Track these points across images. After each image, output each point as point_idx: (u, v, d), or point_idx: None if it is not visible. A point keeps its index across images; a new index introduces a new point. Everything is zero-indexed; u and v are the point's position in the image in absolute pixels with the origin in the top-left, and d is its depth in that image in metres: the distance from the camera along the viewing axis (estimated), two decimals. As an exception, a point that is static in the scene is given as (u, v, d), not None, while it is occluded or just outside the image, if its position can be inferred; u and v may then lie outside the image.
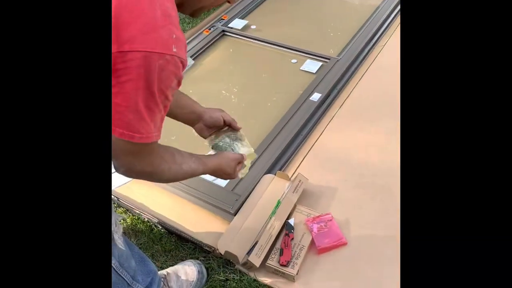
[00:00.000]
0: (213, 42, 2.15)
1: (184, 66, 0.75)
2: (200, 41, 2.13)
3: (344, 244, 1.22)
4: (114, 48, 0.66)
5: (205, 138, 1.16)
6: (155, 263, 1.25)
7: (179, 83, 0.77)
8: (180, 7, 0.83)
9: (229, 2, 0.90)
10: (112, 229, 0.88)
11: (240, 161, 1.09)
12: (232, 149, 1.13)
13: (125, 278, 0.96)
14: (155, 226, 1.35)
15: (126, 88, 0.69)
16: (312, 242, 1.22)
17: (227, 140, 1.14)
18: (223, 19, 2.29)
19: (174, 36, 0.71)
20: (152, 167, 0.84)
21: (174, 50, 0.71)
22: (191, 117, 1.11)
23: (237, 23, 2.25)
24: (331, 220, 1.27)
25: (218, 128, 1.15)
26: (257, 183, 1.39)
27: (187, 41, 2.13)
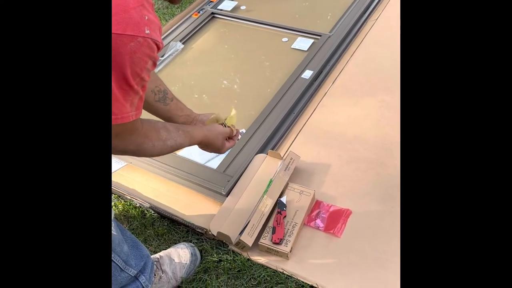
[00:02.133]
0: (203, 25, 2.11)
1: (159, 48, 0.74)
2: (189, 25, 2.09)
3: (350, 213, 1.22)
4: None
5: None
6: (148, 247, 1.24)
7: (154, 64, 0.76)
8: None
9: None
10: None
11: (229, 135, 1.07)
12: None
13: (118, 263, 0.95)
14: (147, 211, 1.33)
15: None
16: (310, 222, 1.21)
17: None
18: (212, 1, 2.24)
19: (146, 18, 0.70)
20: (134, 146, 0.84)
21: (147, 32, 0.70)
22: (187, 120, 1.14)
23: (227, 5, 2.21)
24: (321, 203, 1.25)
25: None
26: (249, 163, 1.37)
27: (176, 26, 2.10)
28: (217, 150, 1.07)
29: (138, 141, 0.84)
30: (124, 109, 0.75)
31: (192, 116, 1.15)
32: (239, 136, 1.43)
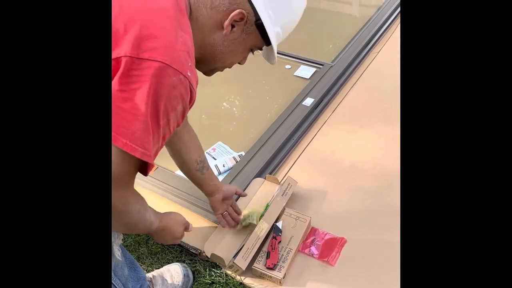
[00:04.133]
0: (208, 48, 2.15)
1: (192, 99, 0.72)
2: (195, 47, 2.13)
3: (345, 242, 1.22)
4: (133, 54, 0.63)
5: (215, 210, 1.23)
6: (141, 265, 1.23)
7: (183, 114, 0.72)
8: (197, 63, 0.80)
9: (240, 63, 0.89)
10: (112, 240, 0.85)
11: (186, 226, 1.01)
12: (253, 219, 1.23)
13: (117, 286, 0.94)
14: (142, 228, 1.33)
15: (136, 95, 0.64)
16: (304, 249, 1.21)
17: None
18: (219, 26, 2.29)
19: (189, 64, 0.70)
20: (122, 204, 0.72)
21: (189, 74, 0.69)
22: (213, 189, 1.19)
23: (233, 30, 2.26)
24: (316, 230, 1.25)
25: (229, 199, 1.23)
26: (247, 186, 1.38)
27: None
28: (174, 240, 0.98)
29: (127, 198, 0.73)
30: (149, 146, 0.66)
31: (218, 185, 1.20)
32: (223, 174, 1.47)
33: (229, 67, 0.90)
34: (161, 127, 0.68)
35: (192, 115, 1.74)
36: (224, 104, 1.83)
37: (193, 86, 0.70)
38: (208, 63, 0.84)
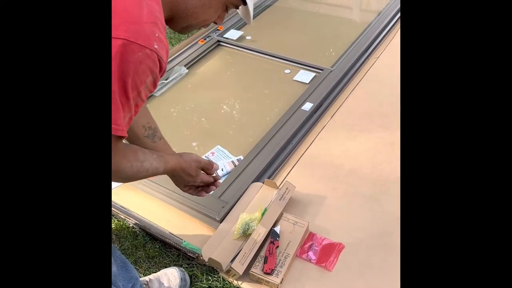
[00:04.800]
0: (208, 52, 2.16)
1: (162, 67, 0.74)
2: (195, 51, 2.14)
3: (343, 247, 1.22)
4: None
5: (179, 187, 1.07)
6: (138, 269, 1.23)
7: (154, 84, 0.75)
8: (169, 22, 0.83)
9: (215, 23, 0.90)
10: None
11: (203, 166, 0.99)
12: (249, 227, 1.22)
13: None
14: (140, 232, 1.33)
15: None
16: (302, 254, 1.21)
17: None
18: (219, 30, 2.30)
19: (156, 35, 0.71)
20: (113, 166, 0.77)
21: (156, 47, 0.70)
22: None
23: (233, 34, 2.26)
24: (314, 235, 1.25)
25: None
26: (245, 190, 1.38)
27: (182, 51, 2.15)
28: (191, 178, 0.98)
29: (117, 161, 0.79)
30: (120, 121, 0.71)
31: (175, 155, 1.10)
32: (221, 179, 1.38)
33: (204, 26, 0.90)
34: (131, 99, 0.71)
35: (192, 119, 1.75)
36: (224, 107, 1.83)
37: (162, 58, 0.71)
38: (181, 20, 0.84)
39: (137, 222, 1.33)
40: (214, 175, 1.06)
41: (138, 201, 1.39)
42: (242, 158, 1.53)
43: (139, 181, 1.43)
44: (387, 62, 1.99)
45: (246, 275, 1.15)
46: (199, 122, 1.76)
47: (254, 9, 2.46)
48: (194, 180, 1.00)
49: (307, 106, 1.71)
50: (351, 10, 2.57)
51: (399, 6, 2.36)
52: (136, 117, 1.00)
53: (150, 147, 1.05)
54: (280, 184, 1.40)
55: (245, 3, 0.88)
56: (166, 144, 1.10)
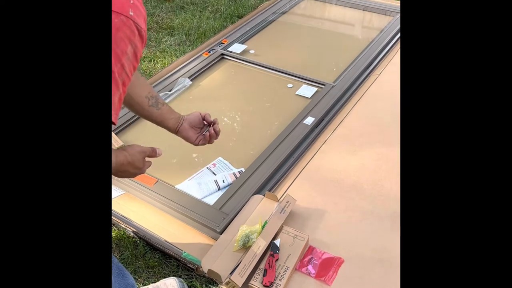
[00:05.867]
0: (212, 65, 2.19)
1: (141, 35, 0.71)
2: (199, 63, 2.16)
3: (342, 261, 1.22)
4: None
5: (191, 140, 1.18)
6: (137, 279, 1.23)
7: (136, 56, 0.72)
8: None
9: None
10: None
11: (148, 155, 0.97)
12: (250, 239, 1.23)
13: None
14: (140, 241, 1.33)
15: None
16: (301, 268, 1.21)
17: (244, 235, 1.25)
18: (223, 43, 2.33)
19: (131, 2, 0.69)
20: None
21: (131, 13, 0.68)
22: (176, 122, 1.15)
23: (237, 47, 2.29)
24: (314, 249, 1.25)
25: (199, 127, 1.19)
26: (246, 203, 1.38)
27: (186, 63, 2.17)
28: (139, 171, 0.95)
29: None
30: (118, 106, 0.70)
31: (180, 116, 1.16)
32: (222, 190, 1.46)
33: None
34: (116, 73, 0.69)
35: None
36: (226, 120, 1.84)
37: (139, 24, 0.69)
38: None
39: (137, 231, 1.33)
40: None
41: (139, 210, 1.40)
42: (243, 170, 1.54)
43: (140, 190, 1.43)
44: (388, 78, 2.01)
45: (245, 287, 1.15)
46: (202, 133, 1.77)
47: (258, 23, 2.50)
48: (141, 171, 0.96)
49: (309, 120, 1.73)
50: (353, 26, 2.61)
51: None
52: (138, 90, 1.04)
53: (157, 114, 1.09)
54: (281, 197, 1.40)
55: None
56: (170, 108, 1.13)
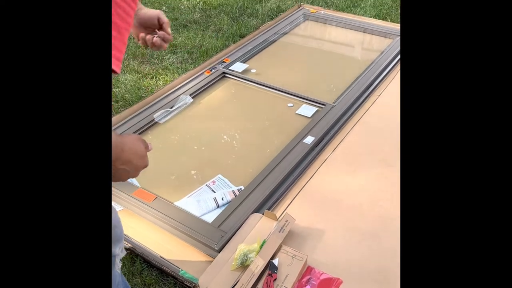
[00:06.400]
0: (213, 83, 2.21)
1: None
2: (200, 81, 2.19)
3: (341, 282, 1.21)
4: None
5: (137, 37, 1.06)
6: (133, 297, 1.22)
7: None
8: None
9: None
10: (117, 253, 0.87)
11: (146, 144, 0.79)
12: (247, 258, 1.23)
13: None
14: (137, 258, 1.32)
15: None
16: (300, 287, 1.20)
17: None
18: (225, 62, 2.36)
19: None
20: None
21: None
22: None
23: (238, 66, 2.32)
24: (312, 269, 1.24)
25: (152, 29, 1.06)
26: (245, 221, 1.38)
27: (188, 80, 2.19)
28: (143, 162, 0.76)
29: None
30: (122, 47, 0.61)
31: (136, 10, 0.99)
32: (221, 208, 1.45)
33: None
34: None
35: (193, 147, 1.77)
36: (226, 137, 1.85)
37: None
38: None
39: (134, 248, 1.32)
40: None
41: (137, 227, 1.39)
42: (242, 188, 1.54)
43: (138, 206, 1.43)
44: (388, 100, 2.03)
45: (243, 307, 1.14)
46: (200, 150, 1.78)
47: (259, 43, 2.54)
48: (145, 163, 0.77)
49: (309, 139, 1.74)
50: (353, 48, 2.64)
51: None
52: None
53: None
54: (280, 216, 1.40)
55: None
56: None
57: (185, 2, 3.30)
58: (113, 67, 0.59)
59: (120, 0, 0.62)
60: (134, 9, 0.65)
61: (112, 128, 1.83)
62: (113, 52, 0.59)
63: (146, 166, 0.77)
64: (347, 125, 1.89)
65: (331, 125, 1.83)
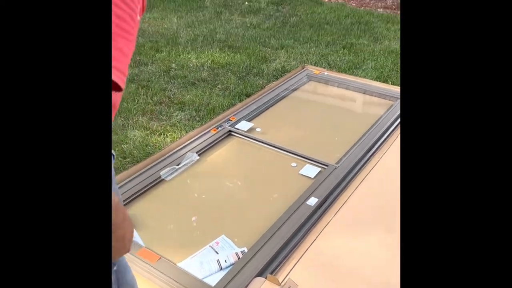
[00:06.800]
0: (220, 141, 2.27)
1: None
2: (207, 139, 2.25)
3: None
4: None
5: None
6: None
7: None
8: None
9: None
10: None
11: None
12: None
13: None
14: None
15: None
16: None
17: None
18: (231, 120, 2.44)
19: None
20: None
21: None
22: None
23: (244, 125, 2.40)
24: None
25: None
26: (247, 285, 1.38)
27: (195, 138, 2.26)
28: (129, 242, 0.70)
29: None
30: (123, 59, 0.58)
31: None
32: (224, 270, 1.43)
33: None
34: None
35: (198, 205, 1.80)
36: (229, 196, 1.88)
37: None
38: None
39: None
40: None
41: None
42: (246, 250, 1.55)
43: (142, 267, 1.44)
44: (391, 161, 2.08)
45: None
46: (205, 209, 1.80)
47: (265, 102, 2.63)
48: (129, 248, 0.71)
49: (312, 201, 1.76)
50: (355, 109, 2.73)
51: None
52: None
53: None
54: (282, 281, 1.40)
55: None
56: None
57: (194, 60, 3.46)
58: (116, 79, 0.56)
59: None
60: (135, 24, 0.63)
61: (119, 184, 1.87)
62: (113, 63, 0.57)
63: (127, 251, 0.72)
64: (350, 187, 1.92)
65: (334, 187, 1.86)
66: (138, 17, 0.63)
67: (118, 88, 0.57)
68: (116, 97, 0.59)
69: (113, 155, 0.86)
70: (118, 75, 0.56)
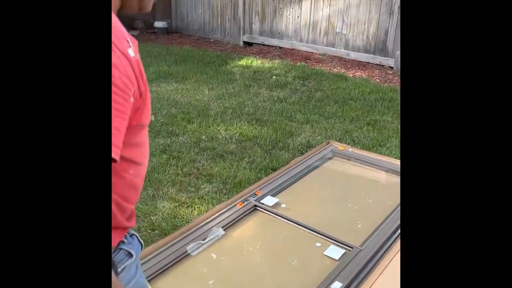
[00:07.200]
0: (245, 215, 2.32)
1: (132, 63, 0.75)
2: (233, 213, 2.30)
3: None
4: None
5: None
6: None
7: (125, 82, 0.73)
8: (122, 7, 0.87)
9: (140, 11, 0.91)
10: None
11: None
12: None
13: None
14: None
15: None
16: None
17: None
18: (257, 195, 2.50)
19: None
20: None
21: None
22: None
23: (269, 200, 2.45)
24: None
25: None
26: None
27: (221, 212, 2.32)
28: None
29: None
30: (118, 135, 0.72)
31: None
32: None
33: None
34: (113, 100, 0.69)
35: (221, 283, 1.81)
36: (252, 274, 1.89)
37: (123, 49, 0.73)
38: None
39: None
40: None
41: None
42: (268, 335, 1.53)
43: None
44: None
45: None
46: (228, 285, 1.81)
47: (290, 177, 2.70)
48: None
49: (336, 285, 1.75)
50: (379, 188, 2.75)
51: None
52: None
53: None
54: None
55: None
56: None
57: (222, 132, 3.61)
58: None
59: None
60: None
61: (147, 257, 1.92)
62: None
63: None
64: (375, 270, 1.90)
65: (358, 271, 1.85)
66: (132, 99, 0.76)
67: (113, 160, 0.69)
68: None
69: (141, 244, 0.96)
70: (113, 149, 0.68)
